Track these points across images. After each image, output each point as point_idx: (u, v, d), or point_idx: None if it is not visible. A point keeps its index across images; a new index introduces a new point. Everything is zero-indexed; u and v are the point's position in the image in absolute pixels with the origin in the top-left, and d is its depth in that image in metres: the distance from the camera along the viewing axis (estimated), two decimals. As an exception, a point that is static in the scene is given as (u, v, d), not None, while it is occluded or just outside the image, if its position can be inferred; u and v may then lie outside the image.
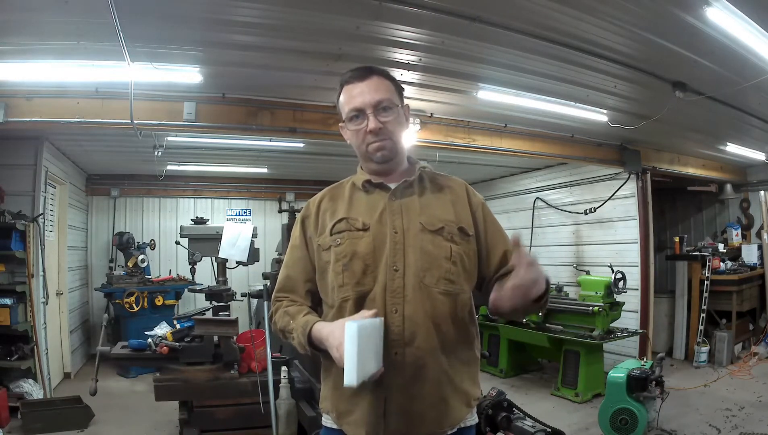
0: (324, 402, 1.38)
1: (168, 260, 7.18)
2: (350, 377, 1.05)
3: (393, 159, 1.35)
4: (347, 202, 1.36)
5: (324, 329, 1.21)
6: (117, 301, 5.69)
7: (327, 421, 1.37)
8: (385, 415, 1.23)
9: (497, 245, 1.38)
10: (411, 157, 1.45)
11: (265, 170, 7.16)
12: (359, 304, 1.26)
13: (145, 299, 5.79)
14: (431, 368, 1.24)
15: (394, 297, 1.24)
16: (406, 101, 1.41)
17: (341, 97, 1.36)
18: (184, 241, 4.06)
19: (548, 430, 3.07)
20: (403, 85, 1.44)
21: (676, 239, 6.59)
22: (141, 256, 6.27)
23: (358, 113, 1.31)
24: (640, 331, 5.38)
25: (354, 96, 1.31)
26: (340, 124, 1.41)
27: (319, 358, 1.37)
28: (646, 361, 3.88)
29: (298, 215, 1.47)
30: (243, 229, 3.59)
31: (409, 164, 1.43)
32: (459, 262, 1.30)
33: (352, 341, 1.05)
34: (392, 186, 1.36)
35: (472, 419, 1.36)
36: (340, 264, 1.28)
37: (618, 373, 3.71)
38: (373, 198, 1.35)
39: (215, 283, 3.82)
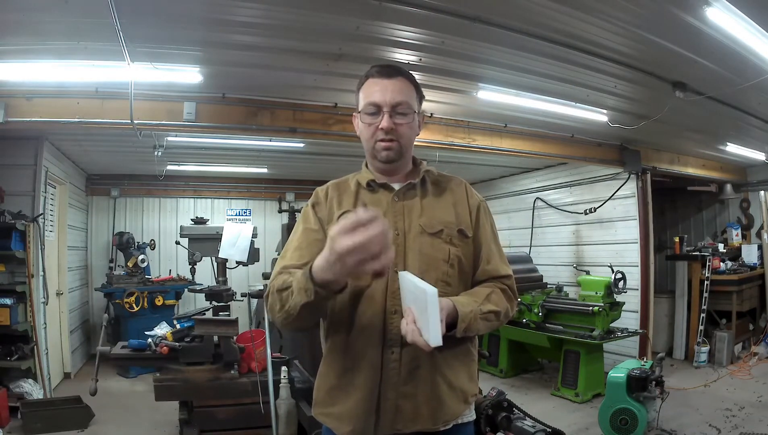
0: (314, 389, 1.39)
1: (168, 260, 7.18)
2: (436, 338, 1.02)
3: (397, 161, 1.35)
4: (353, 198, 1.37)
5: (320, 257, 1.05)
6: (117, 301, 5.69)
7: None
8: (378, 412, 1.24)
9: (480, 248, 1.38)
10: (416, 157, 1.45)
11: (265, 170, 7.16)
12: (355, 298, 1.26)
13: (145, 299, 5.79)
14: (426, 368, 1.25)
15: (395, 298, 1.25)
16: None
17: (362, 89, 1.36)
18: (184, 241, 4.06)
19: (548, 430, 3.07)
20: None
21: (676, 239, 6.59)
22: (141, 256, 6.26)
23: (375, 109, 1.31)
24: (640, 331, 5.38)
25: (375, 91, 1.31)
26: (354, 114, 1.41)
27: (319, 358, 1.37)
28: (646, 361, 3.88)
29: (308, 202, 1.43)
30: (243, 229, 3.59)
31: (414, 166, 1.43)
32: (456, 264, 1.32)
33: (434, 305, 1.02)
34: (396, 187, 1.37)
35: (470, 416, 1.37)
36: None
37: (618, 373, 3.71)
38: (377, 198, 1.36)
39: (215, 283, 3.82)
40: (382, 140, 1.31)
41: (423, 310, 1.04)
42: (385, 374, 1.24)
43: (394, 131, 1.30)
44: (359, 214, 0.95)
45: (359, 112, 1.36)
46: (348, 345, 1.27)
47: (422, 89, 1.42)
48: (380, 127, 1.30)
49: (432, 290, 1.01)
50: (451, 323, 1.17)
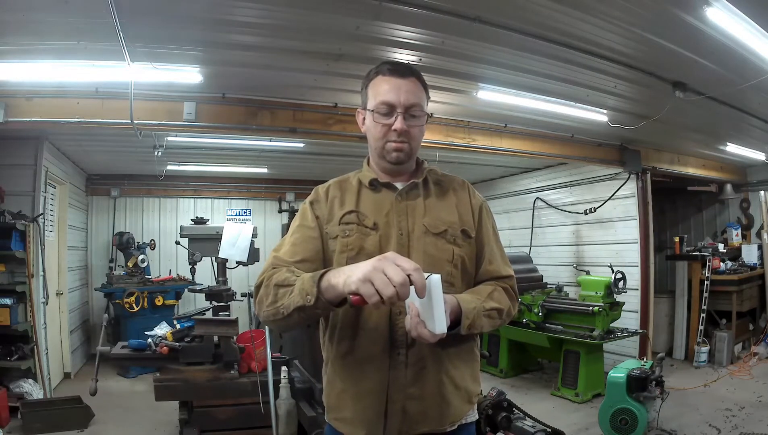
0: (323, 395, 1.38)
1: (168, 260, 7.18)
2: (441, 326, 1.05)
3: (406, 163, 1.35)
4: (355, 196, 1.35)
5: (344, 268, 1.07)
6: (117, 301, 5.69)
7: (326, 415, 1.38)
8: (386, 415, 1.24)
9: (483, 249, 1.38)
10: (418, 157, 1.44)
11: (265, 170, 7.16)
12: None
13: (145, 299, 5.79)
14: (432, 369, 1.25)
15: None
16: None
17: (372, 85, 1.32)
18: (184, 241, 4.05)
19: (548, 430, 3.07)
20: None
21: (676, 239, 6.60)
22: (141, 256, 6.27)
23: (388, 109, 1.28)
24: (640, 331, 5.38)
25: (389, 90, 1.28)
26: (359, 110, 1.38)
27: (319, 358, 1.37)
28: (646, 361, 3.88)
29: (306, 200, 1.40)
30: (243, 229, 3.59)
31: (416, 165, 1.42)
32: (460, 264, 1.32)
33: (438, 291, 1.04)
34: (399, 186, 1.36)
35: (473, 416, 1.37)
36: (345, 256, 1.27)
37: (618, 373, 3.71)
38: (380, 197, 1.35)
39: (215, 283, 3.81)
40: (393, 141, 1.30)
41: (426, 300, 1.05)
42: (392, 376, 1.24)
43: (406, 133, 1.29)
44: (418, 271, 0.98)
45: (368, 110, 1.33)
46: (354, 349, 1.26)
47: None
48: (393, 128, 1.28)
49: (435, 277, 1.03)
50: (455, 321, 1.17)
